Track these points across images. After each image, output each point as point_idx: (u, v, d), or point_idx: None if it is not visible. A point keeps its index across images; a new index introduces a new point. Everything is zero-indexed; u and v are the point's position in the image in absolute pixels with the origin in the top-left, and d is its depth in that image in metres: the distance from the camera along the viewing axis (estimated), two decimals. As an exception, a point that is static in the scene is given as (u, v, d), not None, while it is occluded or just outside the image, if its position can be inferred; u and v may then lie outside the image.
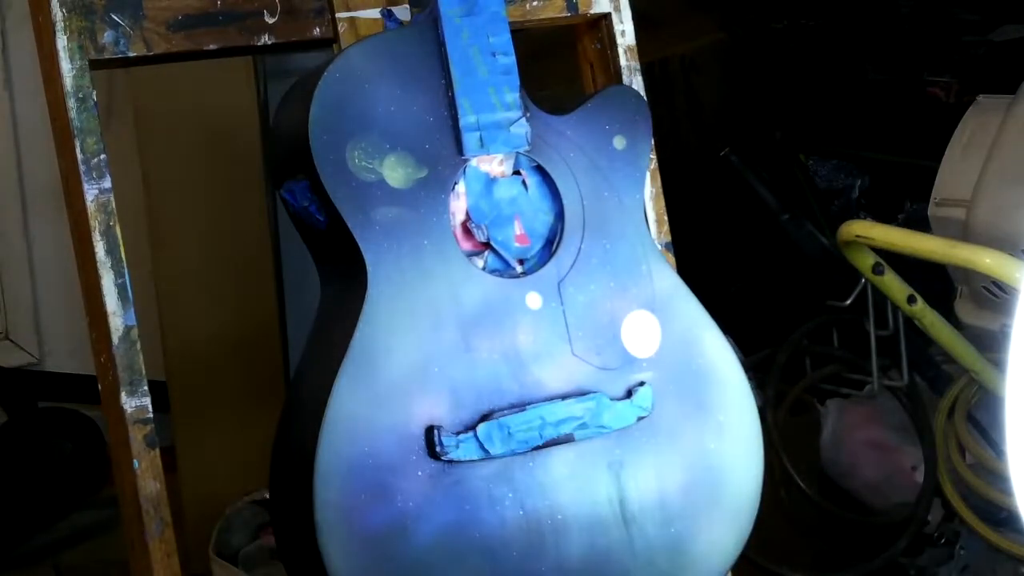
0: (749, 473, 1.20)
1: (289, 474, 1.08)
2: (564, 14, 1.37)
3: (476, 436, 1.07)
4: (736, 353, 1.23)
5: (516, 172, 1.15)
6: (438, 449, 1.06)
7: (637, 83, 1.39)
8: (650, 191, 1.38)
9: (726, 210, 2.34)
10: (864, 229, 1.61)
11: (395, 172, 1.08)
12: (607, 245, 1.16)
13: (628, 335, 1.15)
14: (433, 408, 1.07)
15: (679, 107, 2.52)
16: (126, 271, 1.16)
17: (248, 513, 1.79)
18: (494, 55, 1.12)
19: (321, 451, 1.03)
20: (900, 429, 2.05)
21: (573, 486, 1.11)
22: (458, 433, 1.07)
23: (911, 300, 1.72)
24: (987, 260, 1.50)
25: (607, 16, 1.39)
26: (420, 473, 1.06)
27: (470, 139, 1.11)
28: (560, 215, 1.15)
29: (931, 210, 1.84)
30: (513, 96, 1.13)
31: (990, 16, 2.31)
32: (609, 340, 1.15)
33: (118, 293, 1.16)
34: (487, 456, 1.07)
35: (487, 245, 1.14)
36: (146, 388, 1.16)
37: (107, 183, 1.16)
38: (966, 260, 1.52)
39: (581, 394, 1.12)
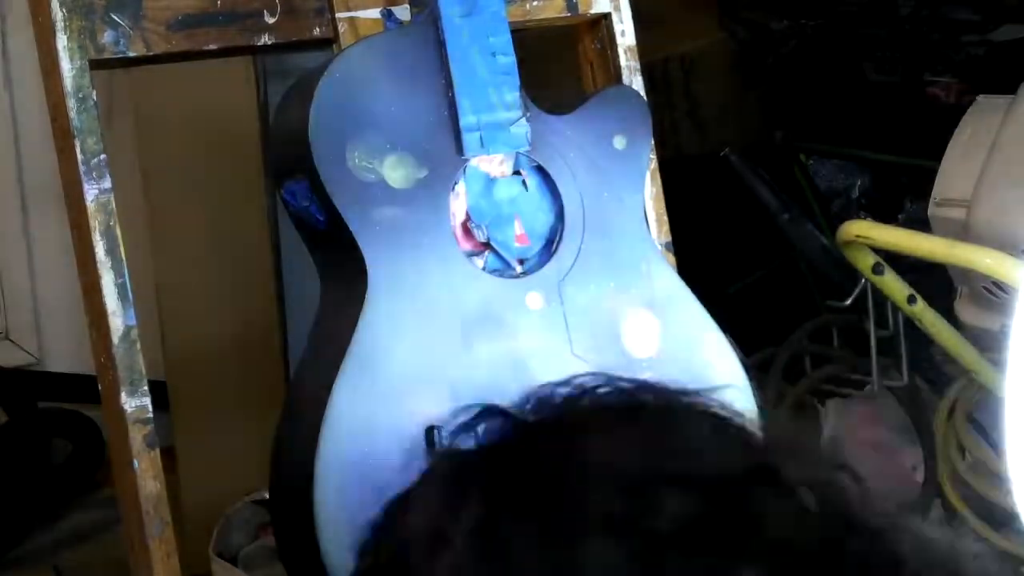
0: None
1: (289, 473, 1.08)
2: (564, 14, 1.37)
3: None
4: (736, 353, 1.23)
5: (516, 172, 1.15)
6: (438, 449, 1.06)
7: (637, 83, 1.39)
8: (650, 191, 1.38)
9: (726, 210, 2.34)
10: (864, 229, 1.61)
11: (395, 172, 1.08)
12: (607, 245, 1.16)
13: (628, 335, 1.15)
14: (433, 408, 1.07)
15: (679, 107, 2.51)
16: (126, 271, 1.16)
17: (248, 513, 1.79)
18: (494, 55, 1.12)
19: (321, 450, 1.03)
20: (900, 429, 2.04)
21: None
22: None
23: (911, 300, 1.72)
24: (987, 260, 1.49)
25: (607, 16, 1.39)
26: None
27: (470, 139, 1.11)
28: (560, 215, 1.15)
29: (931, 210, 1.83)
30: (513, 96, 1.13)
31: (990, 16, 2.31)
32: (609, 340, 1.15)
33: (118, 293, 1.16)
34: (487, 456, 1.07)
35: (487, 245, 1.14)
36: (146, 388, 1.16)
37: (107, 183, 1.16)
38: (966, 260, 1.52)
39: (581, 394, 1.12)
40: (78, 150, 1.15)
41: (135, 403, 1.15)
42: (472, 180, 1.13)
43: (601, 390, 0.65)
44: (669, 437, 0.59)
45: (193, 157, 2.02)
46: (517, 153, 1.14)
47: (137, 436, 1.15)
